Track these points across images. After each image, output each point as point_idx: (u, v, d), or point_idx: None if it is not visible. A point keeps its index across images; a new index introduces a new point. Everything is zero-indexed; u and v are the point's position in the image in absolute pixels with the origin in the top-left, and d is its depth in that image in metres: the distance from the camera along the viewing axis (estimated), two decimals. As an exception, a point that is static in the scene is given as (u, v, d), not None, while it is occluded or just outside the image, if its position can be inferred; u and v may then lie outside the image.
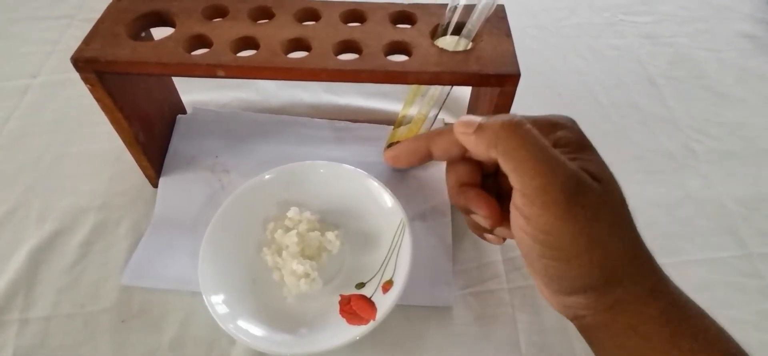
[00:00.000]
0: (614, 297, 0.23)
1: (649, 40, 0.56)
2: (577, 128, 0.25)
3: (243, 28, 0.32)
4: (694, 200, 0.41)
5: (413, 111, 0.39)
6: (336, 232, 0.35)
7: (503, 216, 0.26)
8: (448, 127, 0.26)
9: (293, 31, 0.32)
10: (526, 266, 0.26)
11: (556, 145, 0.24)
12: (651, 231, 0.38)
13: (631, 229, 0.24)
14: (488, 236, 0.28)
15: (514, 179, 0.23)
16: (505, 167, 0.23)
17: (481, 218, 0.26)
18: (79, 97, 0.47)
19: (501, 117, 0.24)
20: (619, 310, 0.23)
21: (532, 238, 0.23)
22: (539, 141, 0.23)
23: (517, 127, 0.23)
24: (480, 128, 0.24)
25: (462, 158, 0.27)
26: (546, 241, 0.23)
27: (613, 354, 0.24)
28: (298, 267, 0.32)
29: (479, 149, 0.24)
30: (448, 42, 0.33)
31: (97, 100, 0.33)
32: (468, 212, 0.27)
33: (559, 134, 0.25)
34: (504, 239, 0.28)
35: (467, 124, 0.24)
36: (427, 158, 0.28)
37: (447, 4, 0.33)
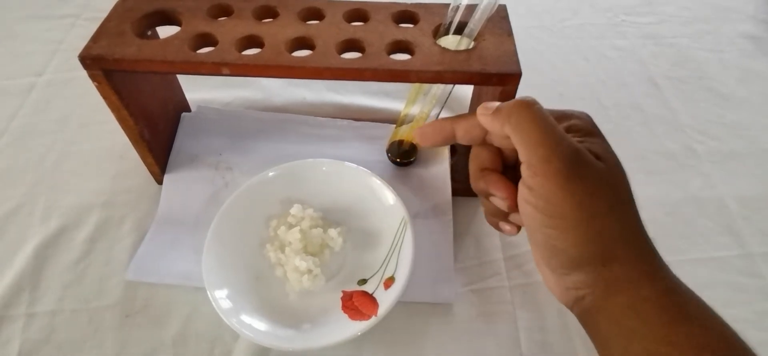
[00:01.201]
0: (611, 273, 0.24)
1: (652, 41, 0.57)
2: (590, 119, 0.27)
3: (248, 27, 0.33)
4: (695, 200, 0.41)
5: (415, 110, 0.39)
6: (338, 229, 0.35)
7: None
8: (472, 112, 0.28)
9: (297, 30, 0.33)
10: (530, 244, 0.27)
11: (567, 130, 0.26)
12: (652, 230, 0.39)
13: (631, 212, 0.25)
14: (503, 225, 0.29)
15: (521, 152, 0.25)
16: (515, 140, 0.25)
17: (499, 199, 0.27)
18: (83, 95, 0.48)
19: (516, 98, 0.26)
20: (617, 289, 0.24)
21: (534, 207, 0.24)
22: (547, 118, 0.24)
23: (529, 105, 0.25)
24: (498, 109, 0.26)
25: (484, 145, 0.28)
26: (547, 209, 0.24)
27: (612, 338, 0.25)
28: (301, 263, 0.32)
29: (495, 126, 0.26)
30: (450, 41, 0.33)
31: (104, 97, 0.33)
32: (487, 195, 0.28)
33: (572, 122, 0.26)
34: (518, 230, 0.29)
35: (487, 107, 0.26)
36: (452, 138, 0.29)
37: (449, 4, 0.33)
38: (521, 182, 0.25)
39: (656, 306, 0.23)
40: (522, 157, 0.25)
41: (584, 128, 0.26)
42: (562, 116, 0.27)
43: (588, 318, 0.26)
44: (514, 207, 0.27)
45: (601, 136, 0.26)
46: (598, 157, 0.24)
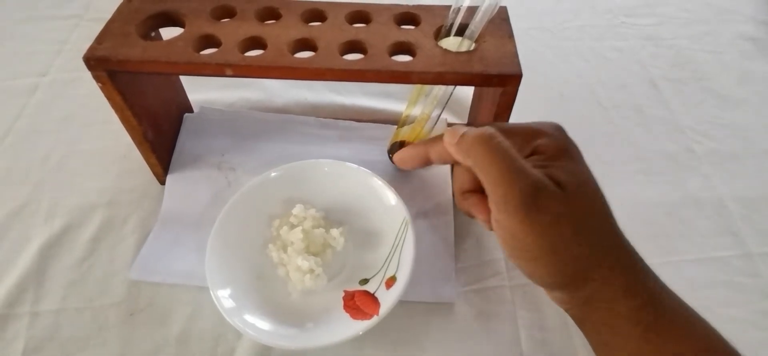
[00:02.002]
0: (586, 293, 0.25)
1: (651, 42, 0.57)
2: (560, 135, 0.27)
3: (250, 28, 0.33)
4: (694, 201, 0.41)
5: (417, 111, 0.40)
6: (340, 229, 0.35)
7: None
8: (442, 136, 0.28)
9: (300, 31, 0.33)
10: None
11: (535, 152, 0.26)
12: (652, 231, 0.39)
13: (601, 232, 0.25)
14: None
15: (485, 188, 0.25)
16: (478, 175, 0.25)
17: (482, 222, 0.28)
18: (87, 95, 0.48)
19: (477, 129, 0.26)
20: (593, 307, 0.25)
21: (502, 240, 0.25)
22: (505, 152, 0.24)
23: (488, 139, 0.25)
24: (461, 138, 0.26)
25: (466, 167, 0.28)
26: (513, 243, 0.25)
27: (595, 347, 0.26)
28: (303, 263, 0.33)
29: (459, 157, 0.26)
30: (451, 43, 0.33)
31: (108, 98, 0.33)
32: (471, 216, 0.29)
33: (539, 142, 0.26)
34: None
35: (452, 134, 0.27)
36: (427, 162, 0.30)
37: (450, 6, 0.33)
38: (491, 213, 0.26)
39: (630, 321, 0.24)
40: (486, 192, 0.25)
41: (552, 148, 0.26)
42: (529, 133, 0.27)
43: (577, 324, 0.27)
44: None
45: (570, 156, 0.26)
46: (559, 183, 0.24)
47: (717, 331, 0.24)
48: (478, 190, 0.28)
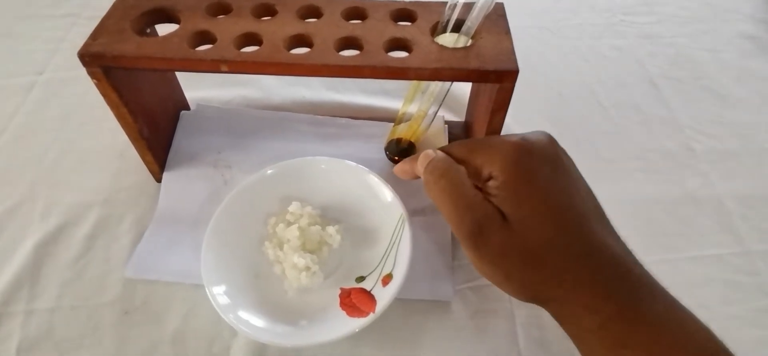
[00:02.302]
0: (552, 310, 0.26)
1: (650, 41, 0.57)
2: (516, 159, 0.26)
3: (246, 24, 0.33)
4: (693, 199, 0.41)
5: (413, 108, 0.40)
6: (337, 226, 0.35)
7: None
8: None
9: (295, 27, 0.33)
10: None
11: (492, 176, 0.27)
12: (650, 229, 0.39)
13: (554, 259, 0.25)
14: None
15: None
16: (438, 208, 0.27)
17: None
18: (83, 93, 0.48)
19: (440, 156, 0.28)
20: (562, 321, 0.26)
21: (471, 262, 0.27)
22: (455, 189, 0.26)
23: (441, 175, 0.27)
24: (425, 169, 0.28)
25: None
26: (476, 268, 0.27)
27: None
28: (300, 260, 0.33)
29: (425, 190, 0.28)
30: (448, 39, 0.33)
31: (103, 95, 0.33)
32: None
33: (496, 167, 0.26)
34: None
35: (424, 158, 0.29)
36: (417, 176, 0.31)
37: (447, 2, 0.33)
38: None
39: (596, 336, 0.24)
40: None
41: (504, 176, 0.26)
42: (489, 155, 0.27)
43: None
44: None
45: (523, 180, 0.26)
46: (506, 215, 0.25)
47: (712, 334, 0.24)
48: None
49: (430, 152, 0.29)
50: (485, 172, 0.27)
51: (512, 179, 0.26)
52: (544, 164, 0.26)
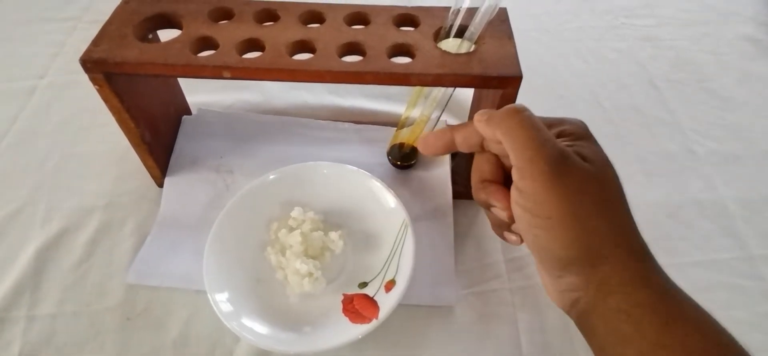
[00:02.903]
0: (601, 273, 0.24)
1: (651, 43, 0.57)
2: (582, 125, 0.28)
3: (248, 30, 0.33)
4: (695, 202, 0.41)
5: (416, 113, 0.40)
6: (339, 232, 0.35)
7: None
8: (470, 120, 0.29)
9: (298, 33, 0.33)
10: (526, 245, 0.27)
11: (559, 135, 0.27)
12: (653, 232, 0.38)
13: (620, 213, 0.25)
14: (508, 235, 0.29)
15: (511, 156, 0.25)
16: (506, 144, 0.26)
17: (499, 209, 0.28)
18: (85, 98, 0.48)
19: (508, 106, 0.27)
20: (608, 291, 0.24)
21: (523, 208, 0.25)
22: (534, 122, 0.25)
23: (518, 111, 0.26)
24: (491, 115, 0.27)
25: (484, 156, 0.29)
26: (534, 209, 0.25)
27: (607, 342, 0.25)
28: (302, 266, 0.32)
29: (488, 132, 0.27)
30: (451, 44, 0.33)
31: (105, 100, 0.33)
32: (489, 206, 0.29)
33: (564, 126, 0.27)
34: (522, 240, 0.29)
35: (482, 113, 0.27)
36: (453, 146, 0.30)
37: (450, 8, 0.33)
38: (513, 185, 0.26)
39: (649, 310, 0.23)
40: (512, 161, 0.25)
41: (575, 133, 0.27)
42: (555, 122, 0.28)
43: (584, 322, 0.26)
44: (513, 217, 0.27)
45: (593, 140, 0.27)
46: (585, 159, 0.25)
47: (725, 328, 0.24)
48: (498, 180, 0.28)
49: (488, 110, 0.27)
50: (553, 130, 0.27)
51: (588, 134, 0.27)
52: None
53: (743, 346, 0.23)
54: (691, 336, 0.22)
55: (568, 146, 0.25)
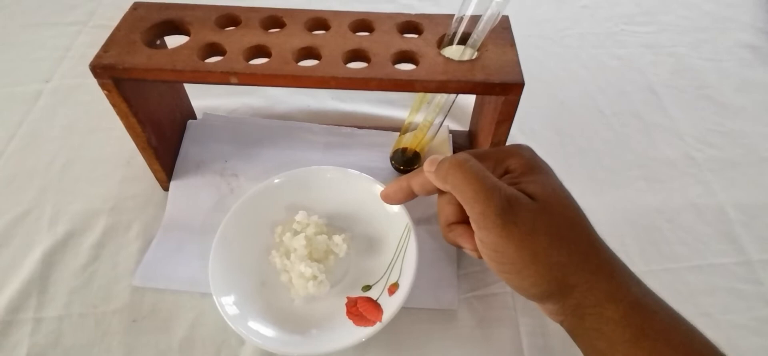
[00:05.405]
0: (573, 301, 0.25)
1: (651, 50, 0.57)
2: (529, 155, 0.29)
3: (255, 36, 0.33)
4: (694, 207, 0.42)
5: (419, 118, 0.40)
6: (343, 236, 0.35)
7: None
8: (421, 168, 0.30)
9: (304, 40, 0.33)
10: None
11: (507, 171, 0.28)
12: (652, 237, 0.39)
13: (579, 238, 0.26)
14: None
15: (465, 208, 0.27)
16: (457, 198, 0.27)
17: (469, 251, 0.29)
18: (91, 102, 0.48)
19: (453, 156, 0.28)
20: (582, 314, 0.25)
21: (487, 257, 0.27)
22: (479, 173, 0.26)
23: (460, 164, 0.27)
24: (438, 166, 0.28)
25: (446, 198, 0.30)
26: (497, 257, 0.26)
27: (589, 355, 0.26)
28: (306, 269, 0.33)
29: (438, 184, 0.28)
30: (454, 51, 0.33)
31: (113, 105, 0.34)
32: (459, 246, 0.30)
33: (510, 162, 0.28)
34: None
35: (431, 163, 0.29)
36: (412, 194, 0.32)
37: (453, 15, 0.33)
38: (474, 233, 0.27)
39: (619, 325, 0.24)
40: (467, 213, 0.26)
41: (522, 166, 0.28)
42: (501, 156, 0.28)
43: (571, 335, 0.27)
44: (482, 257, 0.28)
45: (541, 170, 0.28)
46: (532, 196, 0.26)
47: (700, 332, 0.25)
48: (463, 221, 0.29)
49: (436, 157, 0.29)
50: (500, 168, 0.28)
51: (533, 166, 0.27)
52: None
53: (720, 351, 0.24)
54: (659, 348, 0.23)
55: (514, 183, 0.26)
